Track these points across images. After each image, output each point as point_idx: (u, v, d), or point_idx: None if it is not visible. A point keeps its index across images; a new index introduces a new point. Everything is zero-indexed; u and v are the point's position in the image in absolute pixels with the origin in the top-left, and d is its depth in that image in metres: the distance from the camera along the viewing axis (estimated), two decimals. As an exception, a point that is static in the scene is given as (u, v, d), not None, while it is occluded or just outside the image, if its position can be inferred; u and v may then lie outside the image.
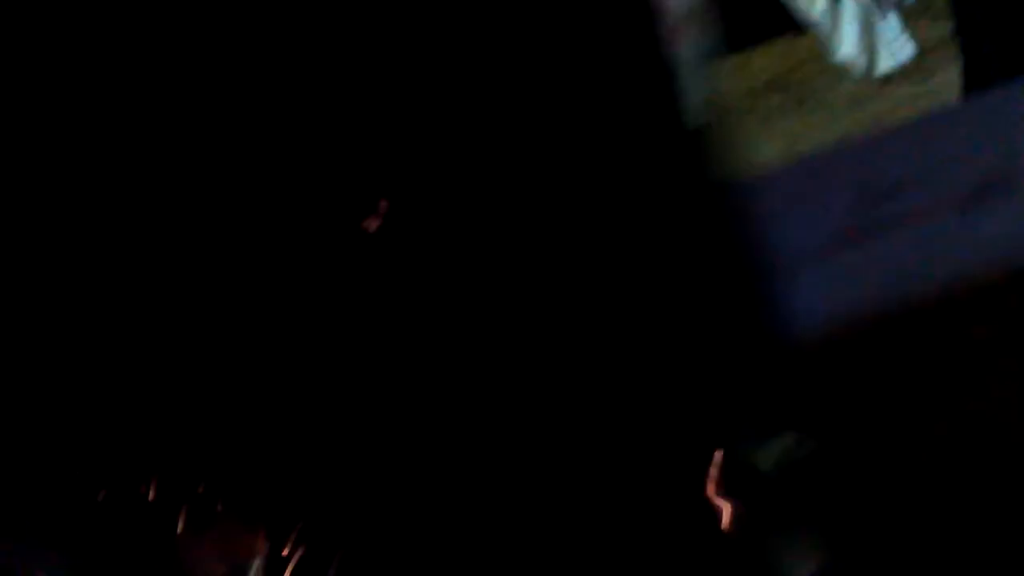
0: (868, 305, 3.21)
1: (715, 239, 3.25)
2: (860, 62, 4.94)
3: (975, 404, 3.12)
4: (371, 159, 3.31)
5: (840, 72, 5.30)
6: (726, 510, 2.58)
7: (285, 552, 2.76)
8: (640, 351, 3.19)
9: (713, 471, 2.62)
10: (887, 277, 3.27)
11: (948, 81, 5.10)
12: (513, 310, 3.20)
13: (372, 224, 3.25)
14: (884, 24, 4.88)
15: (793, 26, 5.47)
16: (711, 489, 2.61)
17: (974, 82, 4.81)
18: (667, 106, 3.47)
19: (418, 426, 3.21)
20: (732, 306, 3.18)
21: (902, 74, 5.28)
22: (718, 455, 2.64)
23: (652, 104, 3.34)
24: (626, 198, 3.21)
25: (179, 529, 2.75)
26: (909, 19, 5.20)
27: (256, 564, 2.72)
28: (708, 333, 3.15)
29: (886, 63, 4.94)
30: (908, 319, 3.17)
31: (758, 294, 3.19)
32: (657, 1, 4.11)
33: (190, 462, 3.05)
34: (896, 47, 4.90)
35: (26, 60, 3.24)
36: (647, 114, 3.34)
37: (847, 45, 4.90)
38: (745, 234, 3.30)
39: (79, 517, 2.84)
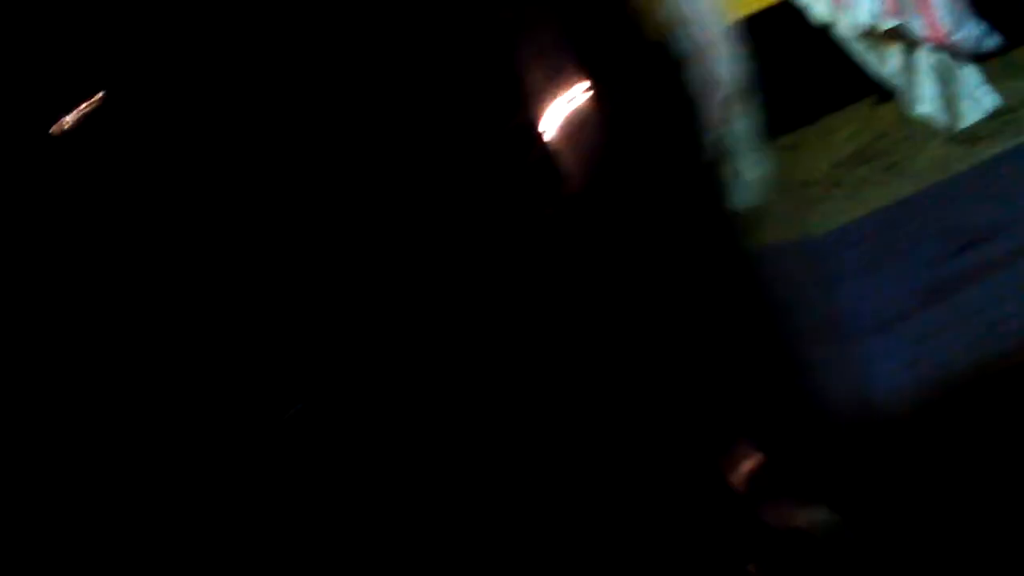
0: (958, 364, 2.95)
1: (780, 304, 3.04)
2: (942, 117, 4.69)
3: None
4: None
5: (927, 134, 5.06)
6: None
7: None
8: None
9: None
10: (977, 332, 3.01)
11: (1041, 137, 4.85)
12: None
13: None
14: (962, 76, 4.65)
15: (873, 91, 5.27)
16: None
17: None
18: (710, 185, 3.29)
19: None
20: (806, 372, 2.96)
21: (990, 134, 5.03)
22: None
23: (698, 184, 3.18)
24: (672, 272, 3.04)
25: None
26: (993, 77, 4.96)
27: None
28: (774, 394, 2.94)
29: (970, 116, 4.69)
30: (1003, 377, 2.90)
31: (834, 359, 2.96)
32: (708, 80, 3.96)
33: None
34: (978, 97, 4.65)
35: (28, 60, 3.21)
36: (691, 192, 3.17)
37: (926, 101, 4.67)
38: (817, 296, 3.07)
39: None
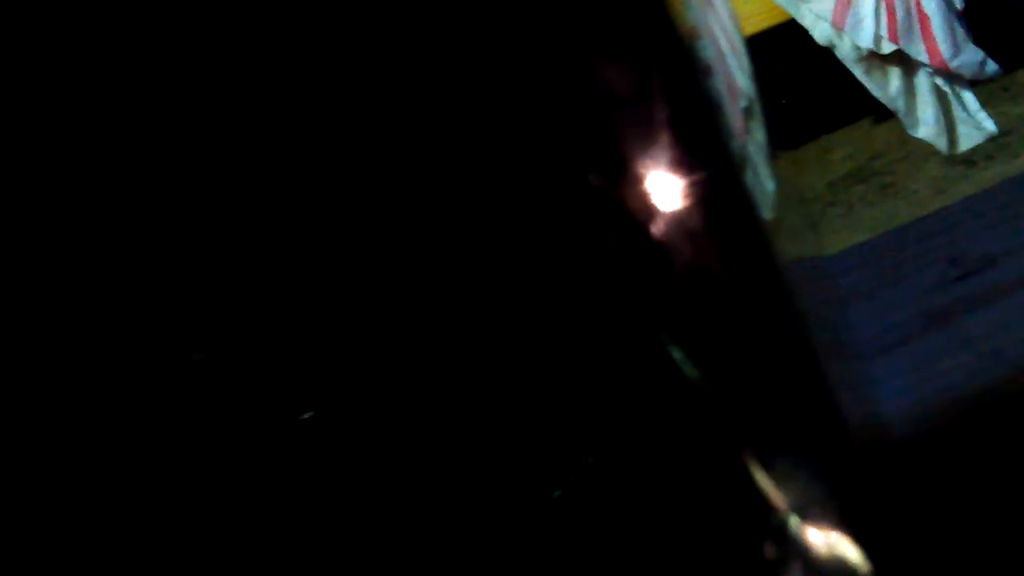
0: (958, 391, 2.98)
1: (788, 321, 3.05)
2: (940, 141, 4.74)
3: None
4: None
5: (924, 156, 5.11)
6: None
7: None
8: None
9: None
10: (978, 358, 3.04)
11: (1035, 160, 4.89)
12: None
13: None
14: (961, 101, 4.70)
15: (871, 112, 5.31)
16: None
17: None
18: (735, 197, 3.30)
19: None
20: (807, 393, 2.98)
21: (987, 156, 5.08)
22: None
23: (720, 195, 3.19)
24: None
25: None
26: (989, 100, 5.01)
27: None
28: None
29: (968, 140, 4.74)
30: (1002, 405, 2.93)
31: (837, 380, 2.98)
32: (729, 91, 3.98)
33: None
34: (977, 122, 4.70)
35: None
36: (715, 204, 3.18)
37: (925, 124, 4.72)
38: (823, 316, 3.09)
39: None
